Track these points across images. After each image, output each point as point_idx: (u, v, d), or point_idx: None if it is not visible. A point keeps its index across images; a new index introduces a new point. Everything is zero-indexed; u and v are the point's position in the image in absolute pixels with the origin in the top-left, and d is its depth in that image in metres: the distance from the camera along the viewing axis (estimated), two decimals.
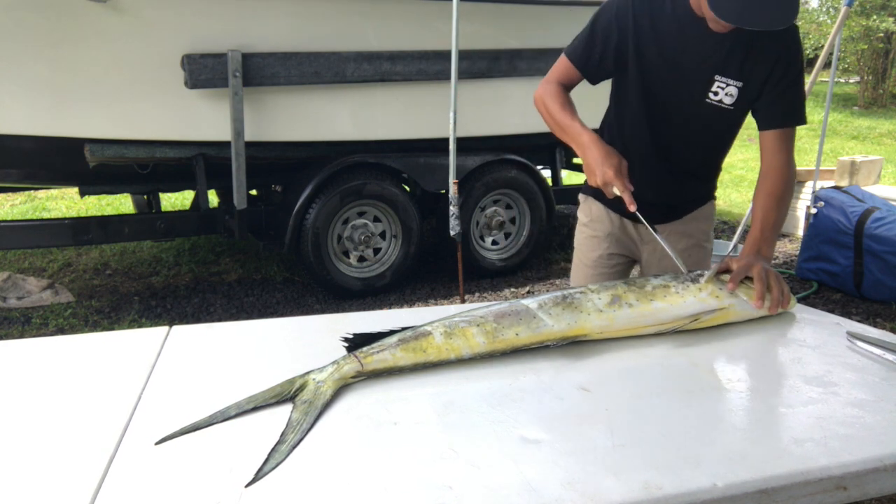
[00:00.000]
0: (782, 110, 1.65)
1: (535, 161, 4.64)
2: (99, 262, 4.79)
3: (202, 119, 3.58)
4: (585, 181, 1.81)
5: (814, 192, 4.39)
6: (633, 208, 1.58)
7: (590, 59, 1.72)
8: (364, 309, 3.83)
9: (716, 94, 1.66)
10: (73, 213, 6.20)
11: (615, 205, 1.87)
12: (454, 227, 3.46)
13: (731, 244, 4.44)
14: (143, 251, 5.08)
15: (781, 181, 1.65)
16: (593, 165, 1.61)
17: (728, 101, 1.66)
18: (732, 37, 1.59)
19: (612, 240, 1.95)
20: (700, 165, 1.84)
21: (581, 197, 2.03)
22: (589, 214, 1.99)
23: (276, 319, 1.75)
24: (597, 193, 1.92)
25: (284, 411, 1.13)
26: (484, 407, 1.15)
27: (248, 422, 1.11)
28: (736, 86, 1.64)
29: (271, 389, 1.18)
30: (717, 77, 1.64)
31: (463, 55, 3.61)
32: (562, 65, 1.76)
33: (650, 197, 1.70)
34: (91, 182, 4.00)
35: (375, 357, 1.26)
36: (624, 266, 2.01)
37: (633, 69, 1.70)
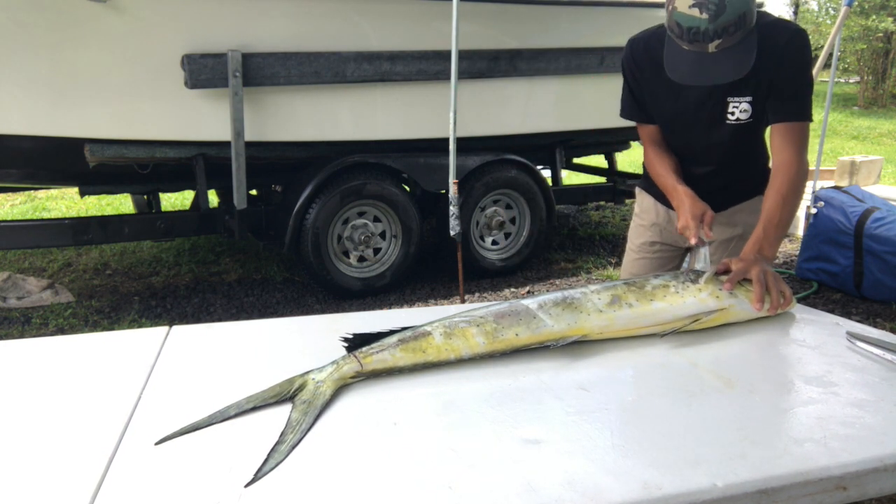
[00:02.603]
0: (782, 104, 1.68)
1: (535, 161, 4.64)
2: (99, 262, 4.79)
3: (202, 119, 3.57)
4: (641, 177, 2.09)
5: (814, 192, 4.38)
6: (692, 241, 1.72)
7: (639, 108, 1.90)
8: (364, 309, 3.83)
9: (733, 113, 1.73)
10: (73, 213, 6.20)
11: (662, 198, 1.99)
12: (454, 227, 3.45)
13: None
14: (143, 251, 5.08)
15: (788, 179, 1.65)
16: (681, 213, 1.78)
17: (745, 116, 1.73)
18: None
19: (656, 229, 2.08)
20: (739, 172, 1.89)
21: (636, 190, 2.18)
22: (640, 206, 2.14)
23: (276, 319, 1.75)
24: (647, 187, 2.07)
25: (284, 411, 1.13)
26: (484, 407, 1.15)
27: (248, 422, 1.11)
28: (747, 101, 1.71)
29: (271, 389, 1.19)
30: (730, 99, 1.72)
31: (463, 55, 3.61)
32: (637, 126, 1.96)
33: (702, 197, 1.80)
34: (91, 182, 4.00)
35: (375, 357, 1.27)
36: (669, 255, 2.09)
37: (656, 109, 1.86)
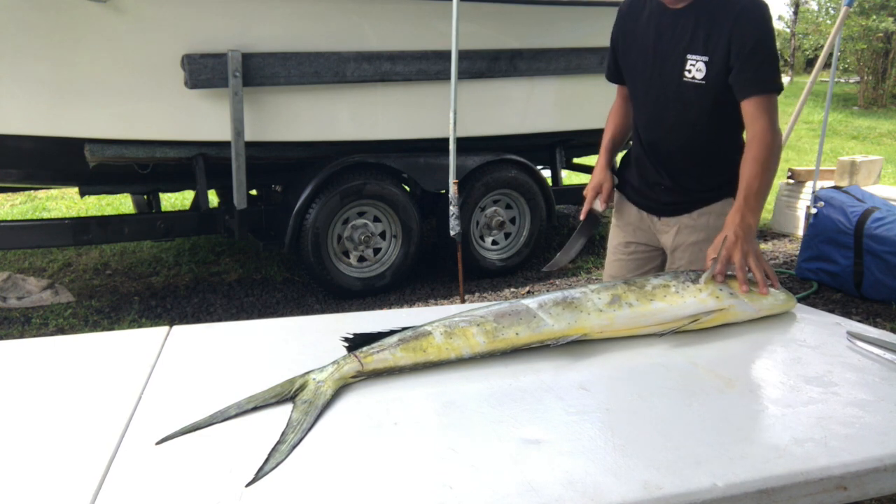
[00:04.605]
0: (748, 79, 1.70)
1: (535, 161, 4.64)
2: (99, 262, 4.79)
3: (202, 119, 3.57)
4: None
5: (814, 192, 4.39)
6: (581, 217, 2.01)
7: (610, 70, 2.05)
8: (364, 309, 3.83)
9: (689, 71, 1.79)
10: (73, 213, 6.20)
11: (634, 198, 2.05)
12: (454, 227, 3.45)
13: None
14: (143, 251, 5.08)
15: (764, 147, 1.69)
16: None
17: (699, 76, 1.77)
18: (695, 15, 1.74)
19: (630, 229, 2.09)
20: (699, 147, 1.88)
21: (614, 190, 2.24)
22: (616, 206, 2.17)
23: (276, 319, 1.75)
24: (622, 187, 2.11)
25: (284, 411, 1.13)
26: (484, 407, 1.15)
27: (249, 422, 1.11)
28: (703, 60, 1.76)
29: (271, 389, 1.19)
30: (689, 56, 1.78)
31: (463, 55, 3.61)
32: (618, 88, 2.11)
33: (667, 183, 1.92)
34: (91, 182, 4.00)
35: (375, 357, 1.27)
36: (645, 254, 2.09)
37: (626, 64, 1.95)
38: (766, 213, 5.66)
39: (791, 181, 5.48)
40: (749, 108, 1.70)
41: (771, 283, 1.60)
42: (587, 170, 5.78)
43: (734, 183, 1.93)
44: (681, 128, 1.85)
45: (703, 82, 1.76)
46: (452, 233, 3.46)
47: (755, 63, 1.69)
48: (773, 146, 1.69)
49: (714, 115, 1.81)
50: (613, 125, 2.09)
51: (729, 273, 1.61)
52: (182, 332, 1.51)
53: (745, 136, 1.81)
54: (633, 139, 2.04)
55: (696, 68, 1.76)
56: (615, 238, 2.14)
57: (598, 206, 2.00)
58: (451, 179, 3.42)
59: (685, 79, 1.78)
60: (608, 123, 2.10)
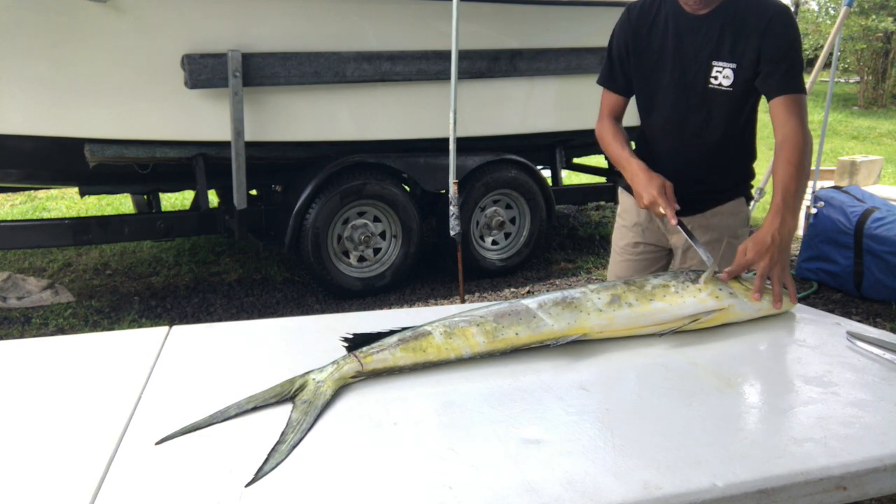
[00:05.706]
0: (780, 78, 1.70)
1: (535, 161, 4.64)
2: (99, 262, 4.79)
3: (202, 119, 3.57)
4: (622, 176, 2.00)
5: (814, 192, 4.38)
6: (673, 223, 1.70)
7: (615, 79, 1.93)
8: (364, 309, 3.83)
9: (716, 78, 1.76)
10: (73, 213, 6.19)
11: None
12: (454, 227, 3.45)
13: None
14: (143, 251, 5.08)
15: (797, 148, 1.66)
16: (640, 189, 1.78)
17: (726, 82, 1.75)
18: (720, 21, 1.71)
19: (638, 230, 2.06)
20: (717, 151, 1.87)
21: (618, 190, 2.17)
22: (622, 206, 2.13)
23: (276, 319, 1.75)
24: (628, 186, 2.04)
25: (284, 411, 1.13)
26: (484, 407, 1.15)
27: (248, 422, 1.11)
28: (731, 67, 1.74)
29: (271, 389, 1.19)
30: (715, 62, 1.75)
31: (463, 55, 3.61)
32: (602, 95, 1.98)
33: (677, 189, 1.80)
34: (91, 182, 4.00)
35: (375, 357, 1.27)
36: (653, 255, 2.07)
37: (641, 72, 1.87)
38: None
39: None
40: (779, 108, 1.69)
41: (791, 299, 1.59)
42: (587, 170, 5.79)
43: (745, 183, 1.93)
44: (702, 134, 1.83)
45: (731, 89, 1.75)
46: (452, 233, 3.46)
47: (786, 66, 1.69)
48: (804, 147, 1.67)
49: (733, 119, 1.81)
50: (621, 137, 1.92)
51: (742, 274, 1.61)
52: (182, 332, 1.51)
53: (755, 137, 1.81)
54: (640, 146, 1.98)
55: (723, 75, 1.74)
56: (622, 239, 2.11)
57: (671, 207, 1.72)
58: (451, 179, 3.42)
59: (711, 85, 1.76)
60: (614, 139, 1.92)
